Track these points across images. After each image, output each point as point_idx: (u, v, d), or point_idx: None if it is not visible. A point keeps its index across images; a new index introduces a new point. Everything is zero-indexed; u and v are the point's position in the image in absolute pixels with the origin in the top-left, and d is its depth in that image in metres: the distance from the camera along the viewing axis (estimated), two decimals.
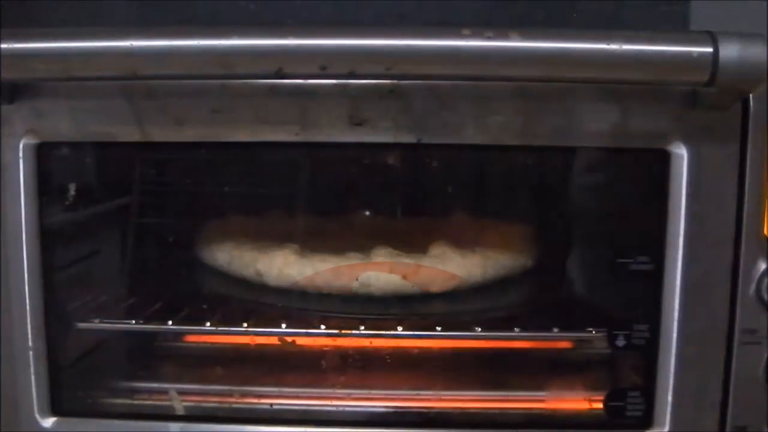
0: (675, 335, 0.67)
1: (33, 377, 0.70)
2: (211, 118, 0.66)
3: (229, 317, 0.77)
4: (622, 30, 0.59)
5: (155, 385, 0.78)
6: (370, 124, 0.66)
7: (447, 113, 0.66)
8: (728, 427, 0.68)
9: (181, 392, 0.76)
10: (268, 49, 0.58)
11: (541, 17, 0.74)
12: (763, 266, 0.66)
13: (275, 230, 0.81)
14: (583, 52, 0.58)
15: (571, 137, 0.66)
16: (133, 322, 0.77)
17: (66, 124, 0.67)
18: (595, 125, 0.66)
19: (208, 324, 0.76)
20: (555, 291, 0.82)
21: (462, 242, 0.79)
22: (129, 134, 0.67)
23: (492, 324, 0.76)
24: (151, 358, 0.82)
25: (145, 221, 0.83)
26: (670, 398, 0.68)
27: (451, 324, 0.77)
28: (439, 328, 0.76)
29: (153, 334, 0.82)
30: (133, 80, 0.63)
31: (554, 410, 0.77)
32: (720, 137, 0.65)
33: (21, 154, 0.67)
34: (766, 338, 0.66)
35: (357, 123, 0.66)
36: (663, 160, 0.66)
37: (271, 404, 0.76)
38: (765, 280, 0.66)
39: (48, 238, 0.69)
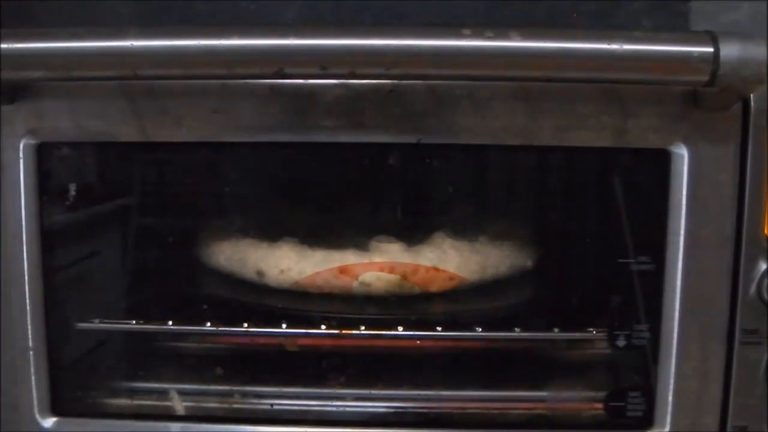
0: (675, 335, 0.67)
1: (33, 377, 0.70)
2: (211, 118, 0.66)
3: (229, 317, 0.77)
4: (622, 30, 0.59)
5: (155, 385, 0.78)
6: (370, 124, 0.66)
7: (447, 113, 0.66)
8: (729, 427, 0.68)
9: (181, 392, 0.76)
10: (268, 49, 0.58)
11: (541, 17, 0.74)
12: (763, 266, 0.66)
13: (275, 230, 0.81)
14: (584, 52, 0.58)
15: (571, 137, 0.66)
16: (133, 322, 0.77)
17: (66, 124, 0.67)
18: (595, 125, 0.66)
19: (208, 324, 0.76)
20: (555, 291, 0.82)
21: (462, 242, 0.79)
22: (129, 134, 0.67)
23: (492, 324, 0.76)
24: (151, 358, 0.82)
25: (145, 221, 0.83)
26: (670, 398, 0.68)
27: (451, 324, 0.77)
28: (439, 328, 0.76)
29: (153, 334, 0.82)
30: (133, 80, 0.63)
31: (554, 410, 0.77)
32: (720, 137, 0.65)
33: (21, 154, 0.67)
34: (767, 338, 0.66)
35: (357, 123, 0.66)
36: (663, 160, 0.66)
37: (272, 404, 0.76)
38: (765, 280, 0.66)
39: (48, 238, 0.69)
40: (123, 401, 0.77)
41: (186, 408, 0.75)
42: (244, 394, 0.77)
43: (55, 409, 0.71)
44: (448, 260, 0.78)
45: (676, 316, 0.67)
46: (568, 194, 0.81)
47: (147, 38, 0.59)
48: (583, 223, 0.79)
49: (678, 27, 0.72)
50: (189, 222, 0.83)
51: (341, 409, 0.75)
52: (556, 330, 0.75)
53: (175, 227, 0.82)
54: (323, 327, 0.76)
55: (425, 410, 0.75)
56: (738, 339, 0.67)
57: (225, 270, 0.81)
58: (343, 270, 0.77)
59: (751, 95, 0.64)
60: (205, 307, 0.78)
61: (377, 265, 0.77)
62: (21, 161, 0.68)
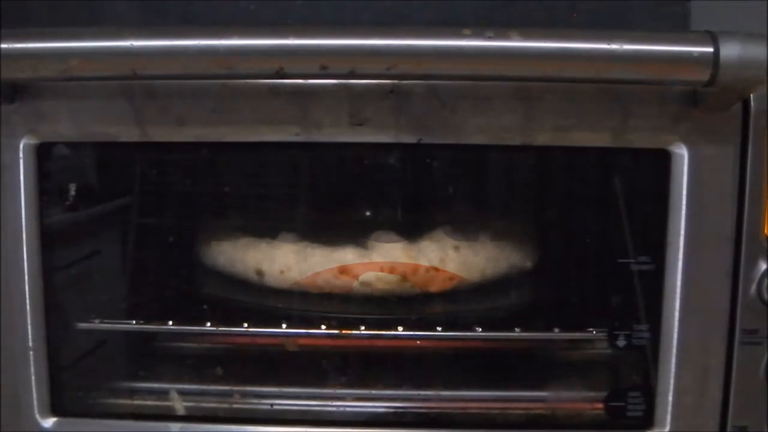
0: (675, 335, 0.67)
1: (33, 377, 0.70)
2: (211, 118, 0.66)
3: (229, 317, 0.77)
4: (622, 30, 0.59)
5: (155, 385, 0.77)
6: (370, 124, 0.66)
7: (447, 113, 0.66)
8: (729, 427, 0.68)
9: (181, 392, 0.76)
10: (268, 49, 0.58)
11: (541, 17, 0.74)
12: (763, 266, 0.66)
13: (275, 230, 0.81)
14: (584, 52, 0.58)
15: (571, 137, 0.66)
16: (133, 322, 0.77)
17: (66, 124, 0.67)
18: (595, 125, 0.66)
19: (208, 324, 0.76)
20: (555, 291, 0.82)
21: (462, 242, 0.79)
22: (129, 134, 0.67)
23: (492, 324, 0.76)
24: (151, 358, 0.82)
25: (145, 221, 0.83)
26: (670, 398, 0.68)
27: (451, 324, 0.77)
28: (439, 328, 0.76)
29: (153, 334, 0.82)
30: (133, 80, 0.63)
31: (554, 410, 0.77)
32: (720, 137, 0.65)
33: (21, 154, 0.67)
34: (767, 338, 0.66)
35: (357, 123, 0.66)
36: (663, 160, 0.66)
37: (272, 404, 0.76)
38: (765, 280, 0.66)
39: (48, 238, 0.69)
40: (123, 401, 0.77)
41: (186, 408, 0.75)
42: (244, 394, 0.77)
43: (55, 409, 0.71)
44: (448, 260, 0.78)
45: (676, 316, 0.67)
46: (568, 194, 0.81)
47: (147, 38, 0.59)
48: (583, 223, 0.79)
49: (678, 27, 0.72)
50: (189, 222, 0.83)
51: (341, 409, 0.75)
52: (556, 330, 0.75)
53: (175, 227, 0.82)
54: (323, 327, 0.76)
55: (425, 410, 0.75)
56: (738, 339, 0.67)
57: (225, 270, 0.81)
58: (343, 270, 0.77)
59: (751, 95, 0.64)
60: (205, 307, 0.78)
61: (377, 265, 0.77)
62: (21, 161, 0.68)
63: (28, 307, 0.69)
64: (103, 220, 0.81)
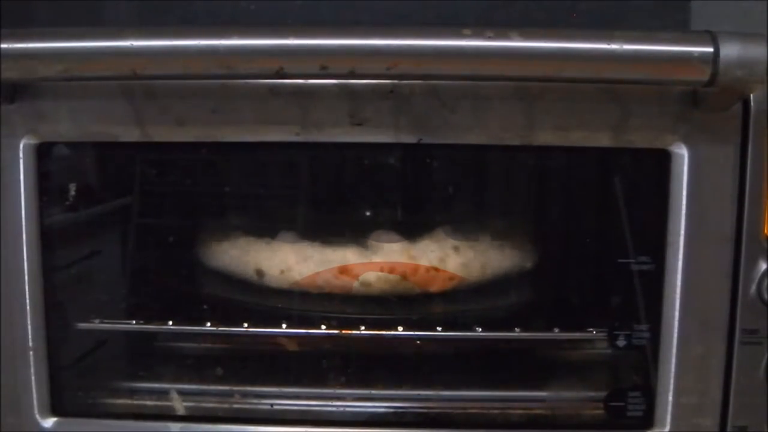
0: (675, 335, 0.67)
1: (33, 377, 0.70)
2: (211, 118, 0.66)
3: (229, 317, 0.77)
4: (622, 30, 0.59)
5: (155, 385, 0.77)
6: (370, 124, 0.66)
7: (447, 113, 0.66)
8: (729, 427, 0.68)
9: (181, 392, 0.76)
10: (268, 49, 0.58)
11: (541, 17, 0.74)
12: (763, 266, 0.66)
13: (275, 230, 0.81)
14: (584, 52, 0.58)
15: (571, 137, 0.66)
16: (133, 322, 0.77)
17: (66, 124, 0.67)
18: (595, 125, 0.66)
19: (208, 324, 0.76)
20: (555, 291, 0.82)
21: (462, 242, 0.79)
22: (129, 134, 0.67)
23: (492, 324, 0.76)
24: (151, 358, 0.82)
25: (146, 221, 0.83)
26: (670, 398, 0.68)
27: (451, 324, 0.77)
28: (439, 328, 0.76)
29: (153, 334, 0.82)
30: (133, 80, 0.63)
31: (554, 410, 0.77)
32: (720, 137, 0.65)
33: (21, 154, 0.67)
34: (767, 338, 0.66)
35: (357, 123, 0.66)
36: (663, 160, 0.66)
37: (272, 404, 0.76)
38: (765, 280, 0.66)
39: (48, 238, 0.69)
40: (123, 401, 0.77)
41: (186, 408, 0.75)
42: (244, 394, 0.77)
43: (55, 409, 0.71)
44: (448, 260, 0.78)
45: (676, 316, 0.67)
46: (568, 194, 0.81)
47: (147, 38, 0.59)
48: (583, 223, 0.79)
49: (678, 27, 0.72)
50: (189, 222, 0.83)
51: (341, 409, 0.75)
52: (556, 330, 0.75)
53: (175, 227, 0.82)
54: (323, 327, 0.76)
55: (425, 410, 0.75)
56: (738, 339, 0.67)
57: (225, 270, 0.81)
58: (343, 270, 0.77)
59: (751, 95, 0.64)
60: (205, 307, 0.78)
61: (377, 265, 0.77)
62: (21, 161, 0.68)
63: (28, 307, 0.69)
64: (103, 220, 0.81)
